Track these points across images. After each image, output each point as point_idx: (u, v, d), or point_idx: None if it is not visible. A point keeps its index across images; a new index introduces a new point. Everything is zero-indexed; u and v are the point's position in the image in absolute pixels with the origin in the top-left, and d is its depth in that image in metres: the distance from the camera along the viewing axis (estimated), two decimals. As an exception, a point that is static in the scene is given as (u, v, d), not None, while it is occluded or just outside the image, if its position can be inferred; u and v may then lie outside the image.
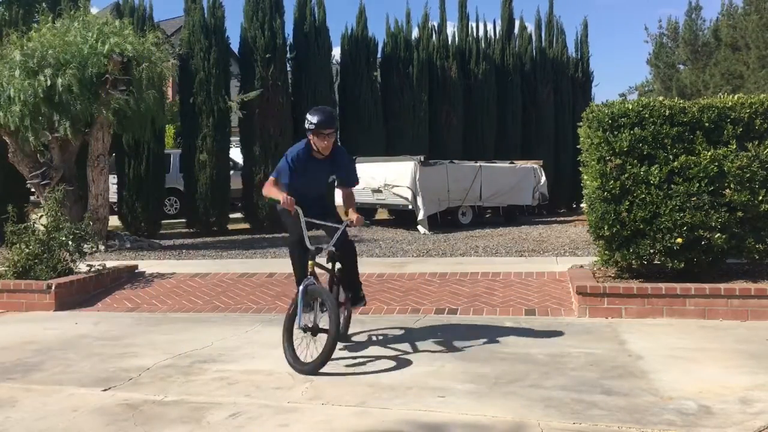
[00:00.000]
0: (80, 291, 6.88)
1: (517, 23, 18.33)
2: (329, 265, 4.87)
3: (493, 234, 11.83)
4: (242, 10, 13.80)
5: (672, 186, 5.61)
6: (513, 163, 14.72)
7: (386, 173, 12.87)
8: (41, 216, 7.37)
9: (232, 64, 14.42)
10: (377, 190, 13.05)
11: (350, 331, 5.16)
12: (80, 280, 6.91)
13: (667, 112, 5.71)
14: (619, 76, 76.18)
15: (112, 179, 12.07)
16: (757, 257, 5.80)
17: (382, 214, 15.63)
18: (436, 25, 16.84)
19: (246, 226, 14.09)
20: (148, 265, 8.28)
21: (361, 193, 13.60)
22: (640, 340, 4.84)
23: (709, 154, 5.57)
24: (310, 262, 4.58)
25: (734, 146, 5.58)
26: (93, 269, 7.18)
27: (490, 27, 17.91)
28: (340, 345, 4.58)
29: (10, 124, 9.24)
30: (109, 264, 7.70)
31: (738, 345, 4.69)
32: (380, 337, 5.11)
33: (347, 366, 4.36)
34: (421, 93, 15.58)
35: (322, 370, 4.15)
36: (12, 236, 6.99)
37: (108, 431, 3.37)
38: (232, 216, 14.28)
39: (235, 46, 14.32)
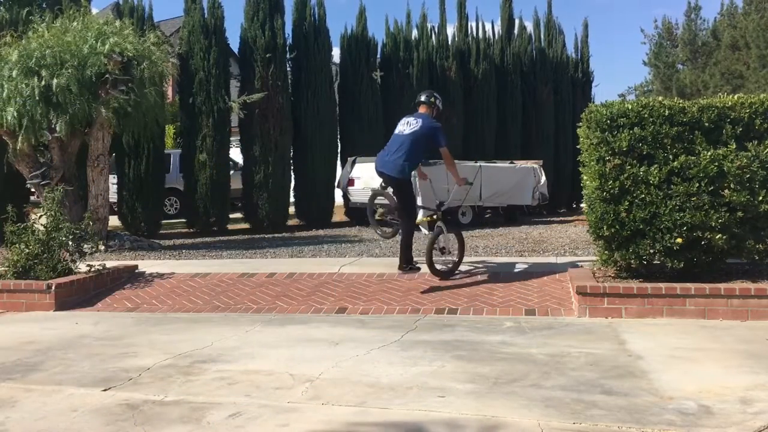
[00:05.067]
0: (80, 291, 6.88)
1: (516, 23, 18.37)
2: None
3: (493, 234, 11.84)
4: (242, 10, 13.85)
5: (672, 186, 5.61)
6: (513, 163, 14.72)
7: None
8: (41, 216, 7.36)
9: (231, 65, 14.43)
10: None
11: (351, 328, 5.18)
12: (80, 280, 6.91)
13: (667, 112, 5.71)
14: (618, 76, 76.20)
15: (112, 179, 12.07)
16: (757, 257, 5.80)
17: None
18: (436, 26, 16.86)
19: (246, 226, 14.10)
20: (148, 265, 8.28)
21: (361, 193, 13.60)
22: (640, 340, 4.84)
23: (709, 154, 5.57)
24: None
25: (734, 146, 5.58)
26: (93, 269, 7.18)
27: (489, 27, 17.98)
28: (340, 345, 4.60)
29: (4, 124, 9.23)
30: (109, 264, 7.70)
31: (738, 345, 4.69)
32: (380, 337, 5.11)
33: (348, 366, 4.36)
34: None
35: (322, 372, 4.21)
36: (12, 236, 6.98)
37: (108, 431, 3.38)
38: (232, 216, 14.29)
39: (234, 46, 14.36)
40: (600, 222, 5.80)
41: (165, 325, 5.81)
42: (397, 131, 6.68)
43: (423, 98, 6.90)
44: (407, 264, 6.69)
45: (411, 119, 6.64)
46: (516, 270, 7.16)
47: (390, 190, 6.96)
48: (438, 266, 6.78)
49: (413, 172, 6.82)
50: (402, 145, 6.48)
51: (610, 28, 73.67)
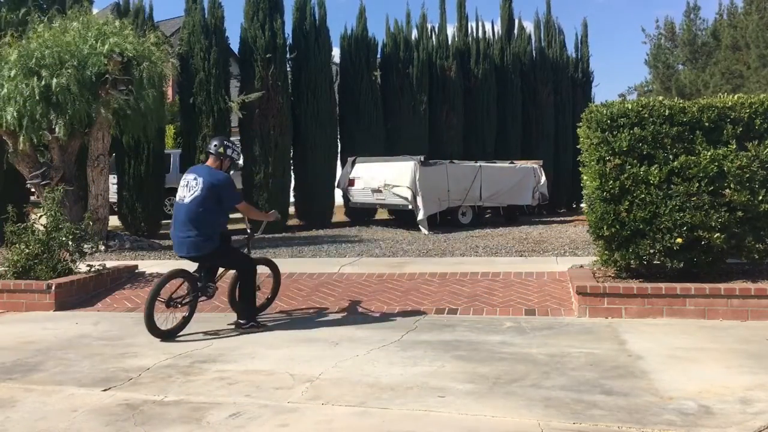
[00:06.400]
0: (80, 291, 6.88)
1: (516, 23, 18.36)
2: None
3: (493, 234, 11.83)
4: (242, 10, 13.84)
5: (672, 186, 5.62)
6: (513, 163, 14.72)
7: (386, 173, 12.87)
8: (41, 216, 7.36)
9: (231, 64, 14.43)
10: (377, 190, 13.05)
11: (351, 328, 5.18)
12: (80, 280, 6.91)
13: (667, 112, 5.71)
14: (618, 76, 76.19)
15: (112, 179, 12.06)
16: (757, 257, 5.80)
17: (382, 214, 15.63)
18: (435, 26, 16.86)
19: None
20: (148, 265, 8.28)
21: (361, 193, 13.62)
22: (640, 340, 4.84)
23: (709, 153, 5.57)
24: None
25: (734, 146, 5.59)
26: (93, 269, 7.18)
27: (489, 27, 17.98)
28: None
29: (4, 123, 9.24)
30: (109, 264, 7.71)
31: (738, 345, 4.69)
32: (380, 337, 5.11)
33: (348, 366, 4.36)
34: (421, 93, 15.59)
35: (322, 372, 4.19)
36: (12, 236, 6.99)
37: (108, 431, 3.38)
38: (232, 216, 14.26)
39: (234, 46, 14.35)
40: (600, 222, 5.80)
41: (165, 325, 5.80)
42: (178, 197, 5.41)
43: (211, 148, 5.55)
44: (248, 320, 5.54)
45: (191, 178, 5.38)
46: (516, 270, 7.16)
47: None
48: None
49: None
50: (188, 219, 5.27)
51: (610, 27, 73.70)
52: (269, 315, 6.08)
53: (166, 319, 5.28)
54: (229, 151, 5.54)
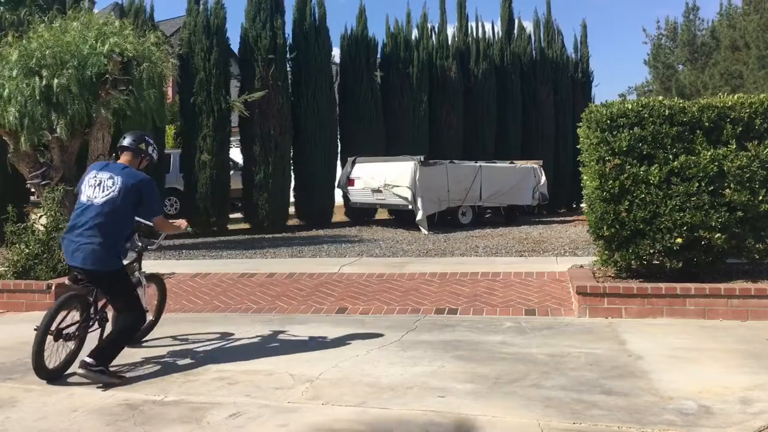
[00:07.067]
0: (80, 291, 6.87)
1: (516, 23, 18.37)
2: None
3: (493, 234, 11.84)
4: (242, 10, 13.87)
5: (672, 186, 5.62)
6: (513, 163, 14.73)
7: (386, 173, 12.88)
8: (41, 216, 7.37)
9: (231, 64, 14.44)
10: (377, 190, 13.06)
11: (350, 329, 5.22)
12: (80, 280, 6.91)
13: (667, 112, 5.71)
14: (618, 76, 76.16)
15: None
16: (757, 257, 5.80)
17: (382, 214, 15.64)
18: (436, 26, 16.87)
19: (246, 226, 14.11)
20: (147, 264, 8.23)
21: (361, 193, 13.63)
22: (640, 340, 4.84)
23: (709, 153, 5.57)
24: None
25: (734, 146, 5.59)
26: (93, 269, 7.17)
27: (489, 27, 18.00)
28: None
29: (5, 124, 9.24)
30: (109, 264, 7.69)
31: (738, 345, 4.69)
32: (380, 337, 5.11)
33: (348, 366, 4.36)
34: (421, 93, 15.60)
35: (322, 372, 4.19)
36: (12, 236, 6.99)
37: (108, 431, 3.38)
38: (232, 216, 14.29)
39: (234, 46, 14.36)
40: (600, 222, 5.80)
41: (165, 326, 5.80)
42: (84, 197, 4.40)
43: (126, 142, 4.61)
44: (101, 363, 4.16)
45: (105, 177, 4.41)
46: (516, 270, 7.16)
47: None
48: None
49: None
50: (97, 224, 4.28)
51: (610, 27, 73.70)
52: (270, 314, 6.08)
53: (51, 356, 4.25)
54: (150, 149, 4.68)
